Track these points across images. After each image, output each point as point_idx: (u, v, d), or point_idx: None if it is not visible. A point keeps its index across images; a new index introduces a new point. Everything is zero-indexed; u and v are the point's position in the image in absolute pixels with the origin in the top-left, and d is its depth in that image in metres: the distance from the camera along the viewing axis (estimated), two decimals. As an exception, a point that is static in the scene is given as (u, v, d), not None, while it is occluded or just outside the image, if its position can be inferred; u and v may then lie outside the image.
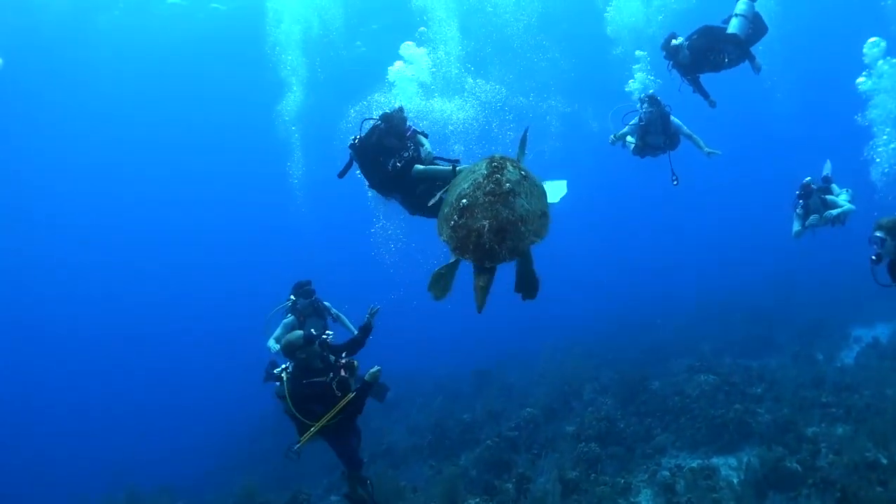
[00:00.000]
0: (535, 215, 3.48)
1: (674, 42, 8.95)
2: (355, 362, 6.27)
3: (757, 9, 8.82)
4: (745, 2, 8.69)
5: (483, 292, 3.34)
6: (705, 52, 8.78)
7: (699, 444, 9.72)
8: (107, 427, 22.54)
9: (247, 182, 38.23)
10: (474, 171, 3.63)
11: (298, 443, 5.93)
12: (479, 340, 23.74)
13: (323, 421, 5.76)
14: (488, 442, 10.51)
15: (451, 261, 3.54)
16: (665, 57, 9.14)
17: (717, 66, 8.94)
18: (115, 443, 20.04)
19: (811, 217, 8.60)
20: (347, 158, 6.65)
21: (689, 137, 9.09)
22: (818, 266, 18.29)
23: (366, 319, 6.88)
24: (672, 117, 9.08)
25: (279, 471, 14.42)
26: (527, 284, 3.77)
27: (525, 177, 3.61)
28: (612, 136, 9.28)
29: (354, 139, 6.54)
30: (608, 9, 11.32)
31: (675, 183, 9.50)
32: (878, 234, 6.13)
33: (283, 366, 6.18)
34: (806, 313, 16.18)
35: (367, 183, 6.65)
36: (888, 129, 10.56)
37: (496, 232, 3.27)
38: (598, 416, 10.11)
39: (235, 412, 18.89)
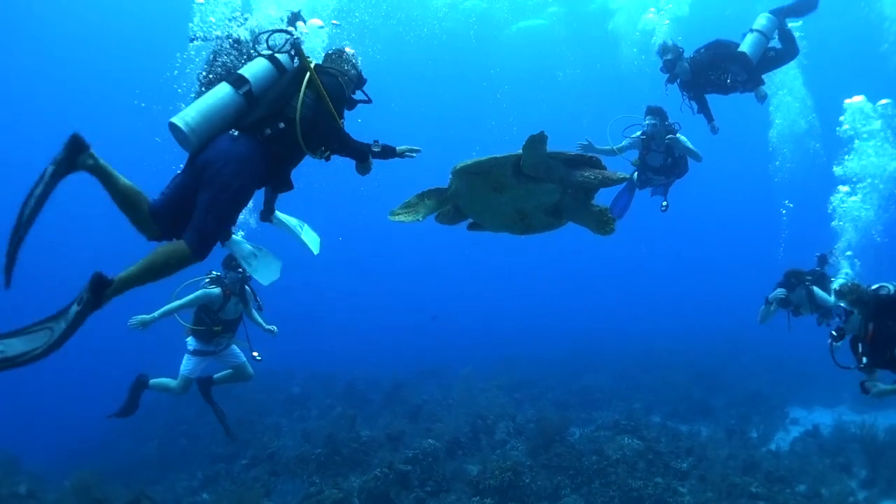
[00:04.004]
0: None
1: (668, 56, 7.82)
2: None
3: (791, 26, 7.67)
4: (765, 16, 7.53)
5: None
6: (706, 70, 7.63)
7: (609, 515, 8.60)
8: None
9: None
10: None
11: None
12: (406, 347, 22.75)
13: None
14: (377, 472, 9.21)
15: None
16: (662, 69, 7.99)
17: (720, 87, 7.80)
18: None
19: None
20: None
21: (690, 153, 8.11)
22: (768, 333, 17.53)
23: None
24: (679, 135, 7.99)
25: (150, 459, 13.00)
26: None
27: None
28: (585, 142, 8.05)
29: None
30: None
31: (663, 208, 8.51)
32: (841, 304, 4.91)
33: None
34: (747, 381, 15.34)
35: None
36: None
37: None
38: (503, 464, 8.86)
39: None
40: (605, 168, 4.07)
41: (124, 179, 3.57)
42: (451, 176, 4.36)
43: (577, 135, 7.87)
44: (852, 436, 10.73)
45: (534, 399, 14.44)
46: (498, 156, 3.89)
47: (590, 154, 4.06)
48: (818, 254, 8.05)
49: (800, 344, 11.47)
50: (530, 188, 3.98)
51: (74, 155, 3.35)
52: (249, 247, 6.06)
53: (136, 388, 7.58)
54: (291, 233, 5.64)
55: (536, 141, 3.74)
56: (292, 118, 3.80)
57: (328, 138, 4.01)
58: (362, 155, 4.25)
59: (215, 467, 11.91)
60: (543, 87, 32.24)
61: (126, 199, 3.57)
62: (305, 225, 5.77)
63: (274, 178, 4.08)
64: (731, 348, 18.59)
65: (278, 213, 5.47)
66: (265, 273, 6.17)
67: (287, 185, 4.21)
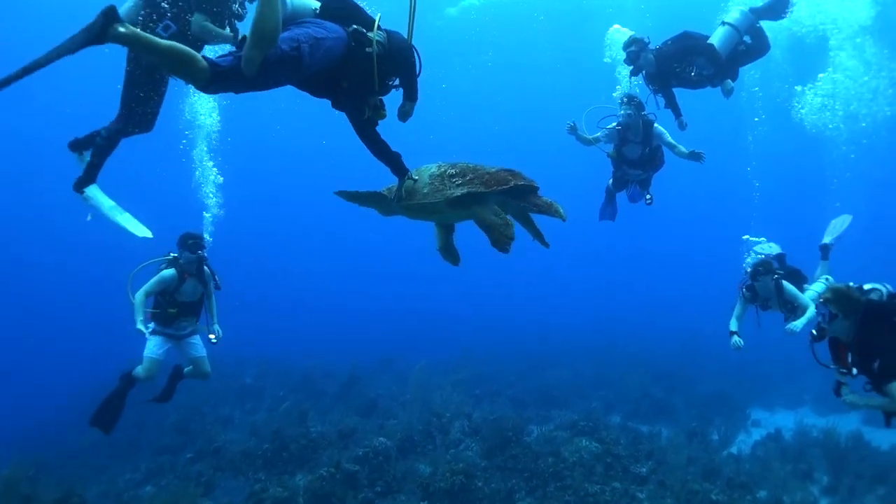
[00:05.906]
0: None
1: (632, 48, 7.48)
2: None
3: (762, 24, 7.31)
4: (738, 10, 7.16)
5: None
6: (671, 61, 7.25)
7: (564, 521, 8.23)
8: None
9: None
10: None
11: None
12: (365, 334, 22.32)
13: None
14: (323, 472, 8.73)
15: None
16: (625, 61, 7.64)
17: (685, 81, 7.43)
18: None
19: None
20: None
21: (670, 147, 7.79)
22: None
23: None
24: (656, 125, 7.66)
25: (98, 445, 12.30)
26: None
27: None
28: (572, 124, 7.65)
29: None
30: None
31: (648, 202, 8.25)
32: (828, 307, 4.54)
33: None
34: (709, 381, 15.12)
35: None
36: None
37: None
38: (454, 467, 8.43)
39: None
40: (537, 195, 4.19)
41: None
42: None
43: (550, 114, 7.55)
44: (814, 440, 10.53)
45: (493, 396, 14.07)
46: (430, 199, 4.07)
47: (527, 181, 4.10)
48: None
49: (763, 344, 11.26)
50: (468, 211, 4.14)
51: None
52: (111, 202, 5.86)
53: (126, 384, 7.14)
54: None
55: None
56: (370, 38, 3.76)
57: (401, 58, 3.95)
58: (416, 92, 4.22)
59: (160, 459, 11.47)
60: (518, 66, 31.95)
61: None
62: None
63: (342, 83, 3.84)
64: (693, 347, 18.40)
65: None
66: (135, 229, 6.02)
67: (351, 101, 3.97)
